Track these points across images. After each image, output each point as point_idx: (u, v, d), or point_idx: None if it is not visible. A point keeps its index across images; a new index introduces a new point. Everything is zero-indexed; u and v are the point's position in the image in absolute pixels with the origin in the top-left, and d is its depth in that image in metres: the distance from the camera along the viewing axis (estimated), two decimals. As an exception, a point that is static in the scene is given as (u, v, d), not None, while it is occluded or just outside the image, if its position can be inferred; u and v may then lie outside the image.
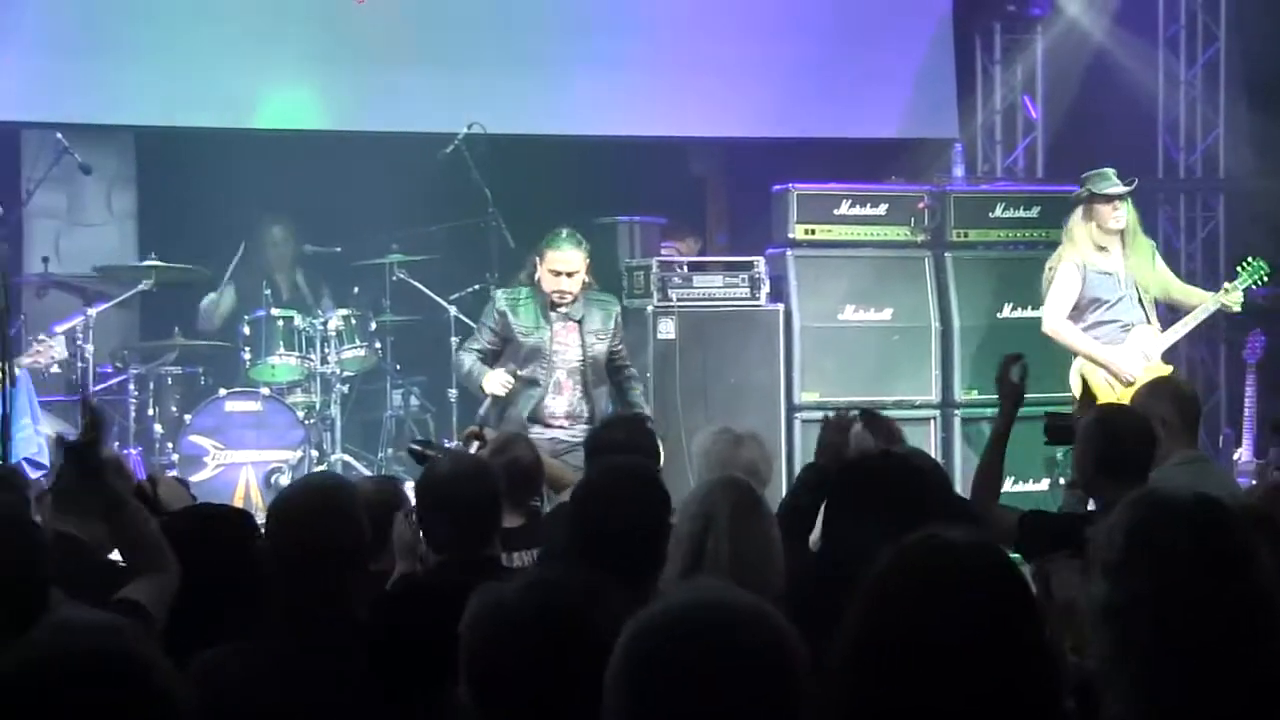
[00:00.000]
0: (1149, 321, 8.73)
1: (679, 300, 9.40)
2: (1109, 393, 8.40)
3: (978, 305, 9.82)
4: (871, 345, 9.65)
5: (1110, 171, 8.86)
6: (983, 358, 9.67)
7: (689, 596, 2.19)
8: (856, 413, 5.39)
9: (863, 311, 9.67)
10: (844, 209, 9.77)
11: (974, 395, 9.59)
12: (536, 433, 7.83)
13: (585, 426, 8.07)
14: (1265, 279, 8.90)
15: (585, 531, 4.01)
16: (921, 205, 9.87)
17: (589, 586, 2.52)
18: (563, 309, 8.22)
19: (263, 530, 3.91)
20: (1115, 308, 8.71)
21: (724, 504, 4.06)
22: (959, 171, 10.51)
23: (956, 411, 9.71)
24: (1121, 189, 8.78)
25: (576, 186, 10.51)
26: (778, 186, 9.82)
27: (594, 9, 10.69)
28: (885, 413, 8.78)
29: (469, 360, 8.28)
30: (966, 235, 9.93)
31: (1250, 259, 8.86)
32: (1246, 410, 9.37)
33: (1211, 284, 11.75)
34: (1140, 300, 8.74)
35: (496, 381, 8.10)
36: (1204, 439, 11.46)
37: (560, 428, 8.14)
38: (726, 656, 2.08)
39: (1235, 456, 9.39)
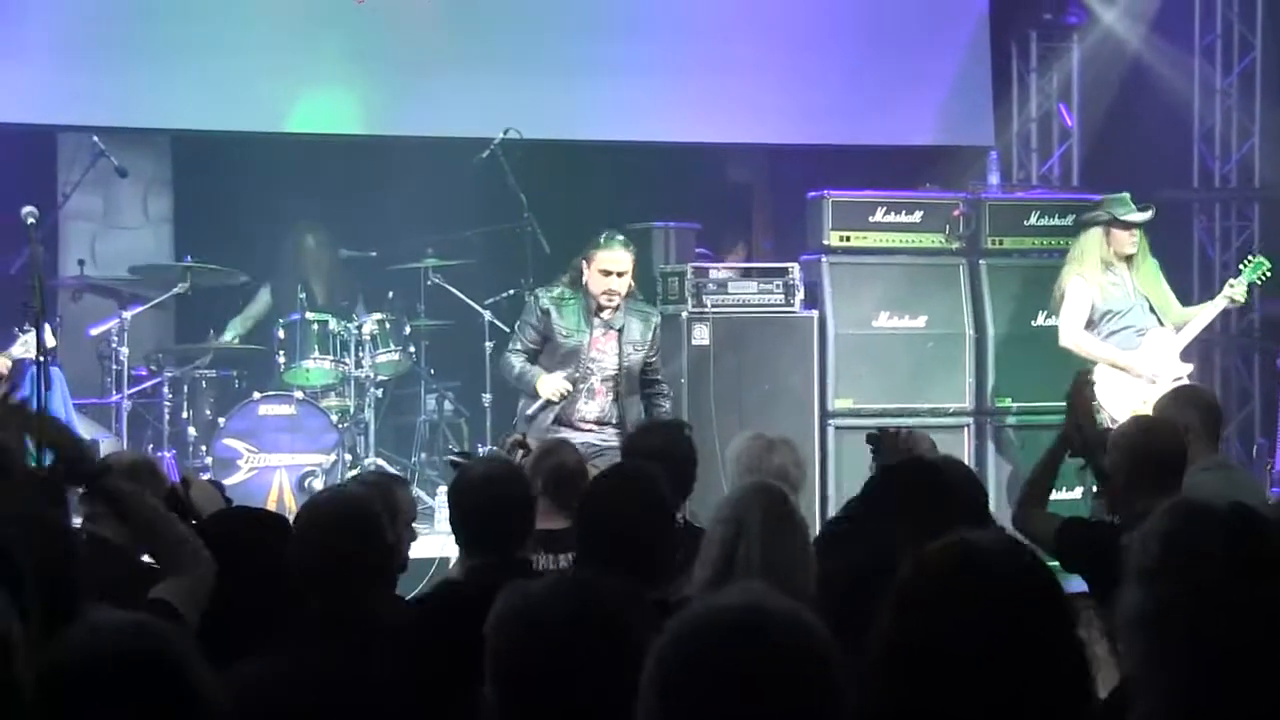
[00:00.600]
0: (1162, 325, 8.80)
1: (713, 306, 9.39)
2: (1127, 401, 8.39)
3: (1012, 313, 9.79)
4: (905, 352, 9.62)
5: (1128, 196, 8.94)
6: (1017, 365, 9.66)
7: (728, 600, 2.19)
8: (907, 430, 5.43)
9: (897, 318, 9.65)
10: (879, 216, 9.76)
11: (1008, 403, 9.56)
12: (565, 436, 7.83)
13: (615, 431, 8.10)
14: (1267, 275, 9.02)
15: (585, 534, 4.05)
16: (956, 213, 9.84)
17: (619, 588, 2.51)
18: (604, 315, 8.23)
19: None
20: (1128, 316, 8.78)
21: (756, 509, 4.06)
22: (994, 179, 10.50)
23: (990, 419, 9.68)
24: (1142, 217, 8.86)
25: (612, 192, 10.54)
26: (813, 193, 9.81)
27: (630, 14, 10.70)
28: (919, 420, 8.97)
29: (519, 362, 8.27)
30: (1001, 243, 9.90)
31: (1252, 256, 8.99)
32: (1280, 420, 9.34)
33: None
34: (1151, 308, 8.83)
35: (551, 385, 8.10)
36: (1238, 448, 11.48)
37: (590, 431, 8.14)
38: (764, 661, 2.08)
39: (1269, 466, 9.34)
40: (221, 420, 9.18)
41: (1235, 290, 8.93)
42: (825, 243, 9.59)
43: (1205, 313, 8.94)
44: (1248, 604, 2.40)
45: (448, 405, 10.00)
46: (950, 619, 2.21)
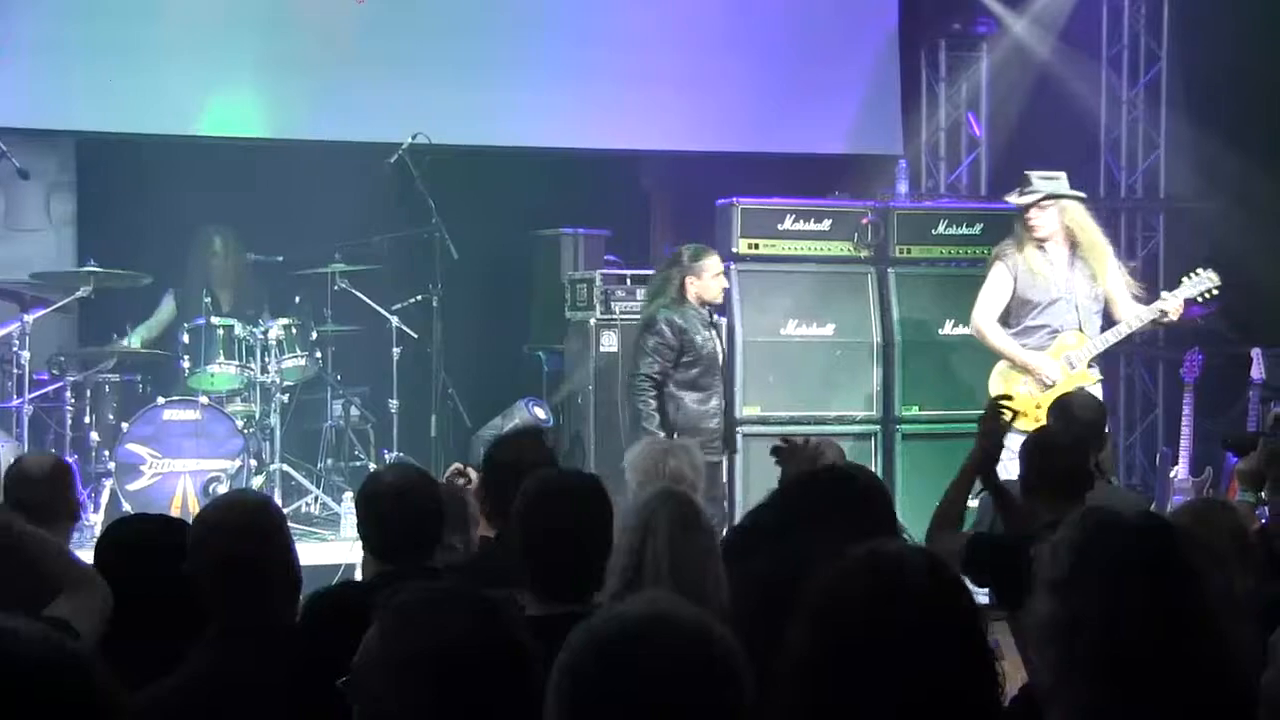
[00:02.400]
0: (1081, 328, 8.51)
1: (622, 313, 9.41)
2: (1026, 400, 8.33)
3: (920, 321, 9.85)
4: (814, 360, 9.66)
5: (1035, 175, 8.68)
6: (924, 374, 9.72)
7: (632, 609, 2.19)
8: (815, 440, 5.43)
9: (805, 326, 9.69)
10: (788, 224, 9.80)
11: (915, 411, 9.61)
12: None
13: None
14: (1214, 294, 8.62)
15: (525, 546, 3.99)
16: (865, 221, 9.90)
17: (483, 599, 2.50)
18: (708, 317, 8.38)
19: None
20: (1046, 311, 8.50)
21: (663, 516, 4.05)
22: (903, 188, 10.55)
23: (898, 428, 9.73)
24: (1027, 199, 8.58)
25: (521, 198, 10.54)
26: (722, 200, 9.84)
27: (540, 20, 10.66)
28: (827, 428, 8.99)
29: (656, 414, 8.23)
30: (909, 251, 9.96)
31: (1200, 269, 8.58)
32: (1184, 429, 9.41)
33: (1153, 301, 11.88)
34: (1078, 306, 8.54)
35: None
36: (1141, 457, 11.60)
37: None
38: (669, 670, 2.08)
39: (1172, 474, 9.43)
40: (125, 425, 9.06)
41: (1169, 304, 8.57)
42: (734, 250, 9.61)
43: (1125, 325, 8.59)
44: (1158, 613, 2.41)
45: (354, 411, 9.94)
46: (861, 629, 2.21)
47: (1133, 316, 8.54)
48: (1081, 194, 8.66)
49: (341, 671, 2.54)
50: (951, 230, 10.03)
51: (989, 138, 11.80)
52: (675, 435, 7.95)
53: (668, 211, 11.29)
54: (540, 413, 9.52)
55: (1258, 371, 9.39)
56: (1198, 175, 11.54)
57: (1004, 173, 11.55)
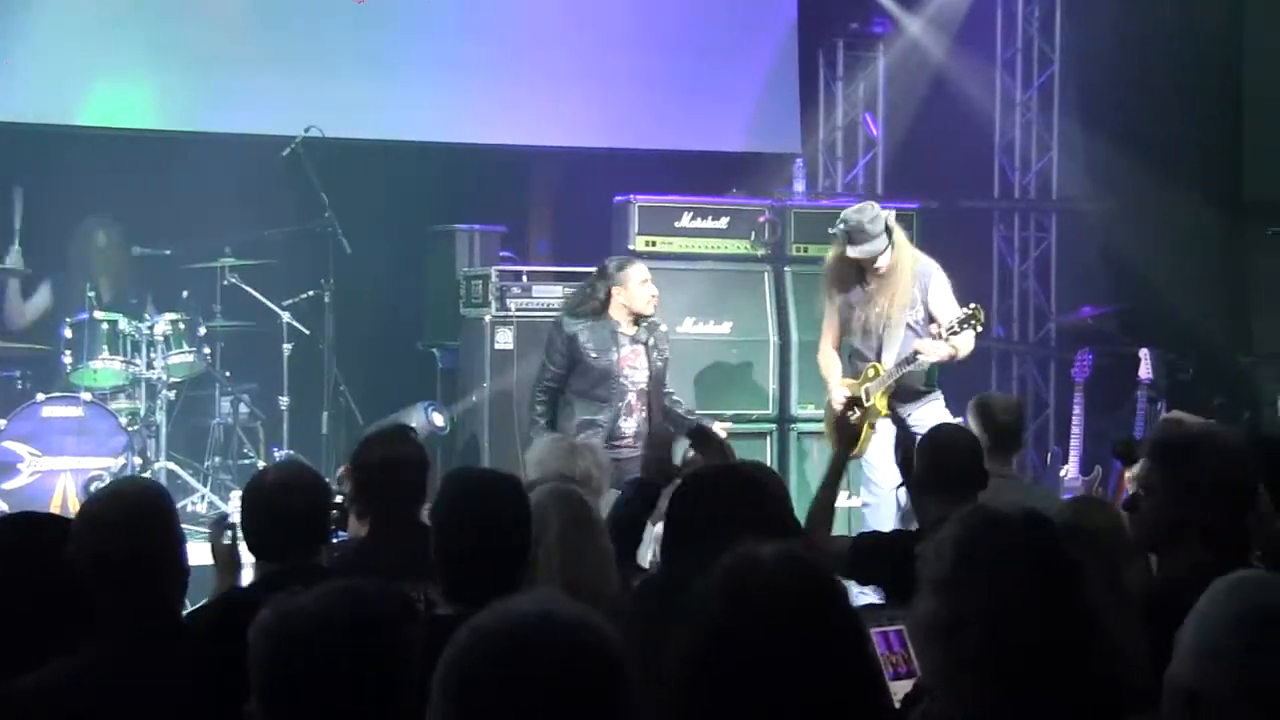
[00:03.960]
0: (879, 359, 8.07)
1: (517, 310, 9.37)
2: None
3: (816, 320, 9.82)
4: (710, 359, 9.67)
5: (860, 219, 8.02)
6: (820, 373, 9.73)
7: (516, 607, 2.19)
8: (672, 428, 5.47)
9: (702, 324, 9.69)
10: (685, 221, 9.80)
11: (811, 410, 9.63)
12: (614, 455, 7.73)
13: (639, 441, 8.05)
14: (979, 329, 7.90)
15: (441, 545, 3.97)
16: (762, 219, 9.92)
17: (389, 595, 2.49)
18: (629, 330, 8.18)
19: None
20: (862, 341, 8.17)
21: (554, 515, 4.04)
22: (799, 187, 10.59)
23: (793, 426, 9.76)
24: (870, 255, 8.00)
25: (416, 193, 10.45)
26: (619, 197, 9.82)
27: (436, 14, 10.59)
28: (724, 426, 9.00)
29: (540, 420, 8.14)
30: (806, 250, 9.96)
31: (974, 305, 7.90)
32: (1074, 428, 9.50)
33: (1044, 302, 12.02)
34: (883, 334, 8.07)
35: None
36: (1033, 457, 11.70)
37: (628, 447, 8.05)
38: (551, 668, 2.09)
39: (1062, 474, 9.52)
40: (2, 422, 8.85)
41: (923, 343, 7.88)
42: (631, 247, 9.58)
43: (897, 368, 7.99)
44: (1042, 609, 2.42)
45: (243, 408, 9.82)
46: (734, 634, 2.21)
47: (903, 361, 8.00)
48: (877, 250, 8.00)
49: (228, 673, 2.51)
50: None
51: (885, 138, 11.85)
52: None
53: (564, 208, 11.26)
54: (438, 419, 9.45)
55: (1146, 371, 9.50)
56: (1089, 177, 11.67)
57: (899, 172, 11.66)
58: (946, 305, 8.08)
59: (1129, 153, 11.03)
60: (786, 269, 9.93)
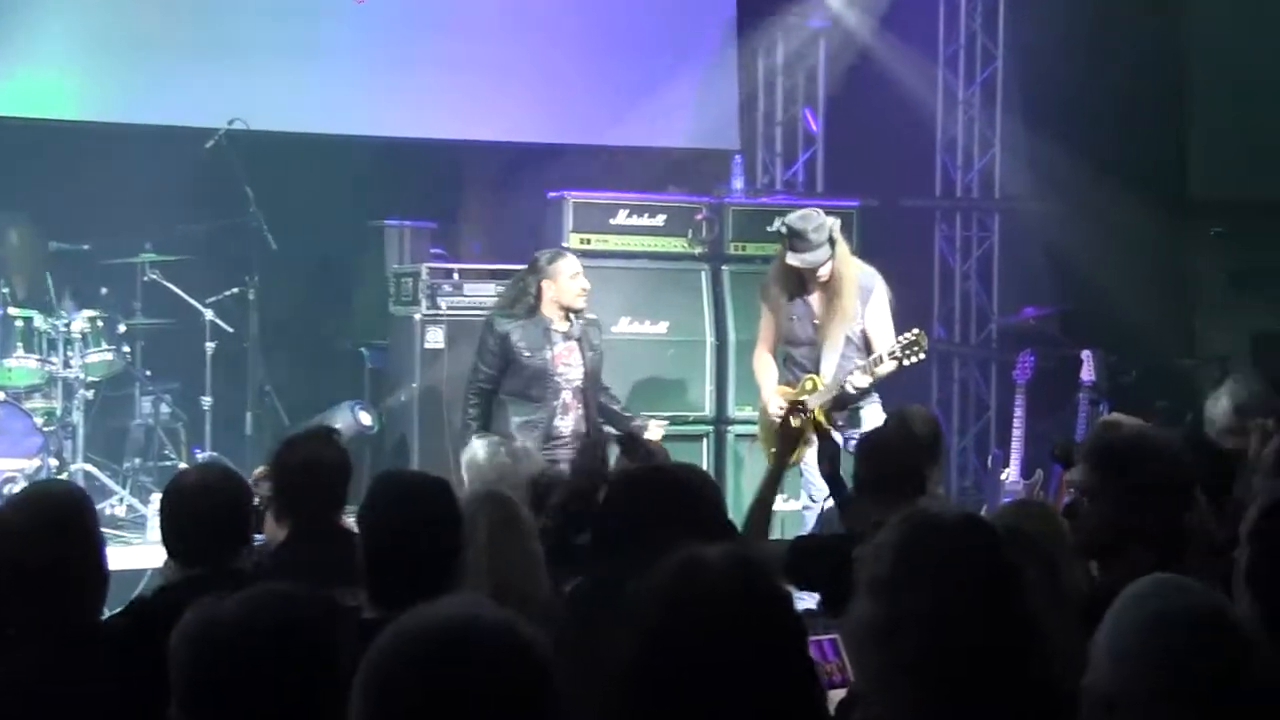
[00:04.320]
0: (817, 371, 8.03)
1: (449, 308, 9.35)
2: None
3: (754, 320, 9.82)
4: (646, 359, 9.68)
5: (804, 226, 7.94)
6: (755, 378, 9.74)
7: (440, 611, 2.20)
8: (612, 432, 5.51)
9: (638, 324, 9.71)
10: (621, 219, 9.80)
11: (748, 412, 9.64)
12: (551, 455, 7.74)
13: (581, 442, 7.98)
14: (922, 357, 7.80)
15: (368, 548, 3.96)
16: (699, 217, 9.93)
17: (316, 600, 2.47)
18: (562, 327, 8.15)
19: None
20: (800, 349, 8.15)
21: (482, 518, 4.05)
22: (738, 184, 10.59)
23: (730, 428, 9.78)
24: (813, 265, 7.91)
25: (344, 188, 10.42)
26: (553, 194, 9.82)
27: (367, 4, 10.53)
28: (660, 424, 8.99)
29: (473, 423, 8.07)
30: (744, 248, 10.00)
31: (917, 331, 7.81)
32: (1015, 430, 9.54)
33: (986, 303, 12.08)
34: (822, 346, 8.02)
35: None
36: (974, 460, 11.76)
37: (566, 447, 8.01)
38: (473, 673, 2.08)
39: (1003, 476, 9.56)
40: (-87, 422, 8.80)
41: (855, 378, 7.78)
42: (565, 244, 9.52)
43: (831, 386, 7.92)
44: (980, 612, 2.43)
45: (165, 409, 9.75)
46: (678, 637, 2.21)
47: (836, 381, 7.90)
48: (818, 260, 7.93)
49: (149, 679, 2.50)
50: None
51: (825, 134, 11.88)
52: None
53: (497, 204, 11.23)
54: (366, 418, 9.42)
55: (1088, 373, 9.55)
56: (1033, 176, 11.73)
57: (840, 170, 11.69)
58: (883, 323, 8.04)
59: (1073, 151, 11.09)
60: (724, 268, 9.95)
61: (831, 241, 7.98)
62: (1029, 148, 11.73)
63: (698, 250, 9.93)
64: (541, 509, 5.38)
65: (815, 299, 8.05)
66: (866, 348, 7.96)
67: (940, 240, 12.23)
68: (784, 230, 8.03)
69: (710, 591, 2.23)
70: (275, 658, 2.49)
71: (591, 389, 8.21)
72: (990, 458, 10.26)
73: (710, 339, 9.82)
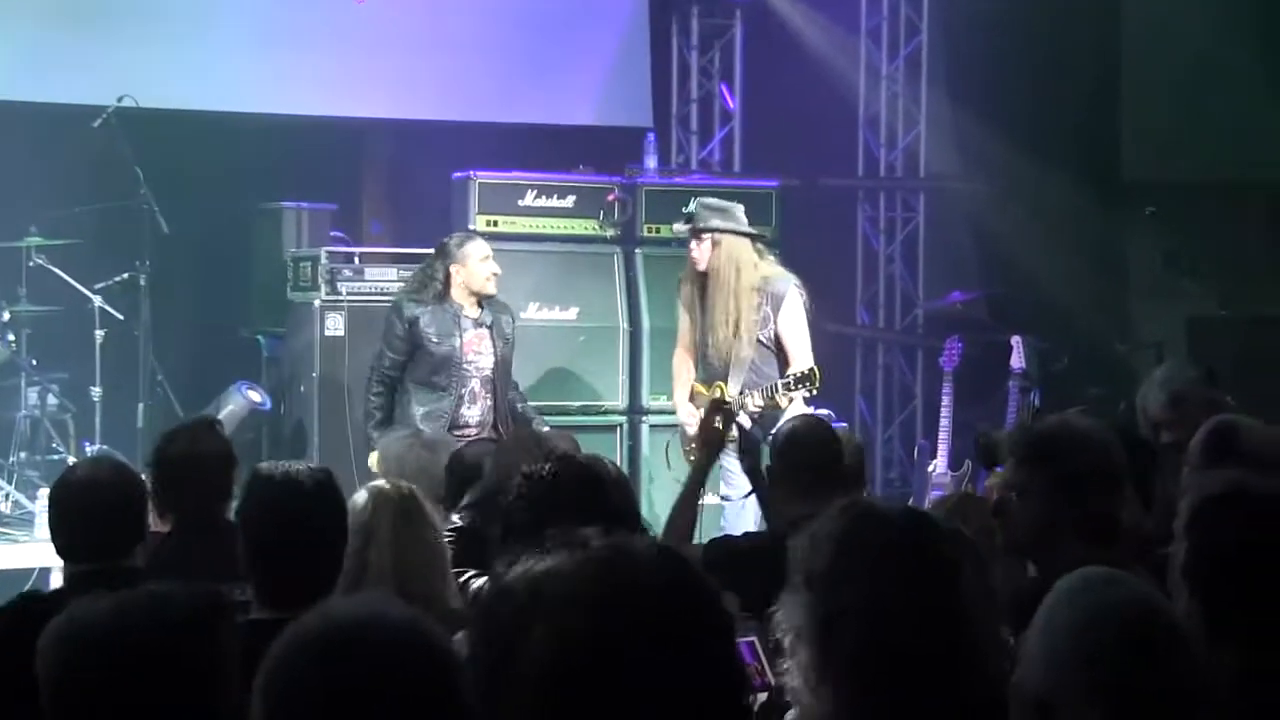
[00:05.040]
0: (725, 377, 7.98)
1: (349, 294, 9.33)
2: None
3: (670, 305, 9.83)
4: (556, 346, 9.67)
5: (701, 203, 8.20)
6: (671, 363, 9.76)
7: (341, 609, 2.20)
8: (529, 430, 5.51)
9: (548, 310, 9.70)
10: (529, 199, 9.79)
11: (663, 401, 9.64)
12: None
13: (492, 433, 8.01)
14: (814, 390, 7.71)
15: (251, 546, 3.95)
16: (611, 198, 9.93)
17: (198, 598, 2.46)
18: (473, 314, 8.15)
19: None
20: (707, 348, 8.09)
21: (384, 513, 4.05)
22: (651, 163, 10.57)
23: (644, 419, 9.80)
24: (680, 232, 8.18)
25: (239, 168, 10.35)
26: (458, 174, 9.79)
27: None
28: (569, 420, 9.01)
29: (377, 412, 8.13)
30: (658, 231, 9.98)
31: (812, 367, 7.67)
32: (942, 420, 9.60)
33: (911, 287, 12.14)
34: (726, 351, 7.97)
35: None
36: (900, 450, 11.83)
37: (470, 436, 7.93)
38: (372, 672, 2.10)
39: (930, 468, 9.62)
40: None
41: (754, 400, 7.69)
42: (471, 227, 9.51)
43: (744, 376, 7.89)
44: (919, 606, 2.44)
45: (52, 399, 9.66)
46: (601, 636, 2.18)
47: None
48: (748, 231, 8.10)
49: (23, 684, 2.47)
50: (704, 209, 10.05)
51: (743, 111, 11.92)
52: None
53: (400, 185, 11.20)
54: (255, 395, 9.39)
55: (1018, 360, 9.62)
56: (959, 154, 11.81)
57: (758, 148, 11.72)
58: (796, 331, 8.00)
59: (1002, 129, 11.17)
60: (637, 251, 9.96)
61: (714, 232, 8.01)
62: (955, 125, 11.80)
63: (610, 233, 9.93)
64: (459, 500, 5.41)
65: (710, 299, 8.06)
66: (781, 355, 7.96)
67: (863, 221, 12.29)
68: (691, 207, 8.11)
69: (631, 585, 2.22)
70: (145, 661, 2.48)
71: (502, 379, 8.22)
72: (916, 449, 10.32)
73: (623, 325, 9.83)
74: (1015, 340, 9.67)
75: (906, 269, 12.21)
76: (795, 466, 5.41)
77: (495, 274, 8.23)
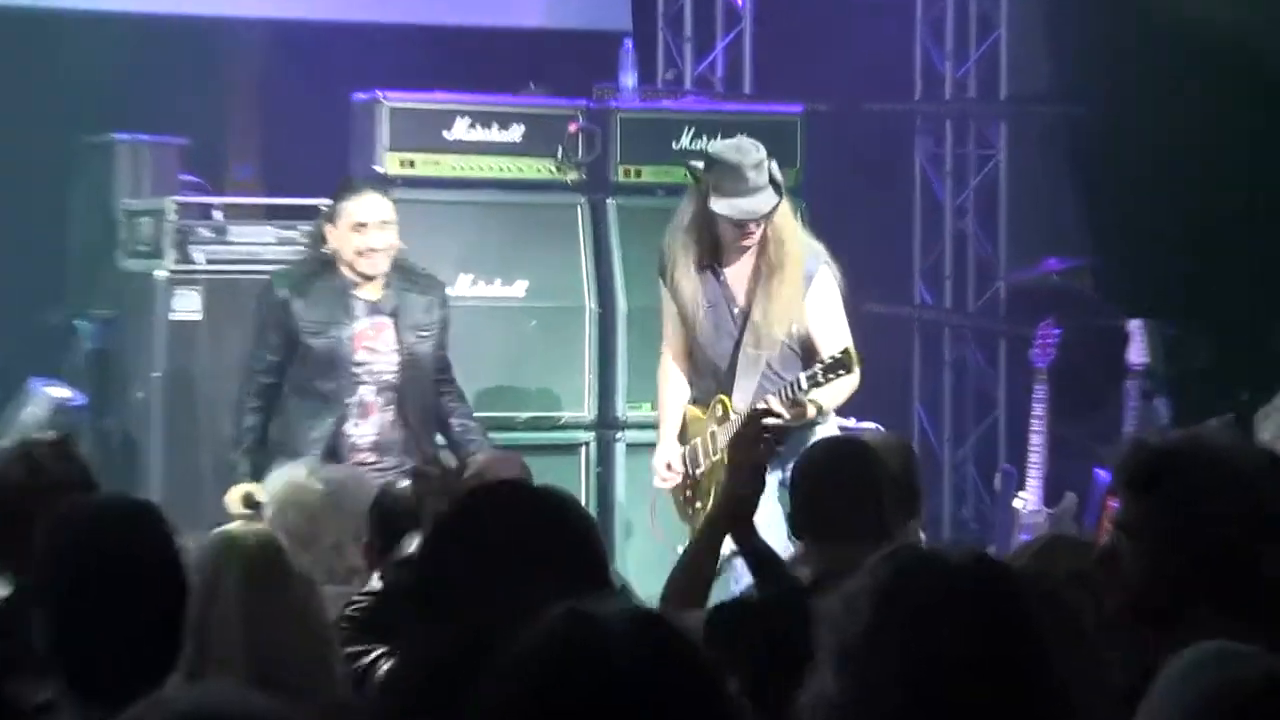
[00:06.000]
0: (729, 389, 7.98)
1: (209, 263, 9.36)
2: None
3: (652, 279, 9.81)
4: (497, 335, 9.69)
5: (741, 160, 7.93)
6: (659, 357, 9.71)
7: (168, 706, 2.25)
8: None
9: (485, 285, 9.72)
10: (459, 131, 9.81)
11: (646, 411, 9.60)
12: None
13: (399, 460, 8.10)
14: (854, 370, 7.61)
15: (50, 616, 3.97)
16: (574, 128, 9.92)
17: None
18: (364, 294, 8.17)
19: None
20: (714, 353, 8.09)
21: (232, 570, 4.10)
22: (629, 80, 10.54)
23: (619, 435, 9.81)
24: (753, 215, 7.93)
25: (54, 86, 10.42)
26: (360, 95, 9.80)
27: None
28: (513, 436, 8.96)
29: (248, 435, 8.21)
30: (639, 174, 10.03)
31: (845, 349, 7.62)
32: (1034, 437, 9.58)
33: (990, 252, 12.09)
34: (760, 341, 7.98)
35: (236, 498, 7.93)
36: (975, 477, 11.77)
37: (364, 463, 8.05)
38: None
39: (1019, 504, 9.59)
40: None
41: (772, 403, 7.49)
42: (379, 169, 9.57)
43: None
44: (993, 691, 2.52)
45: None
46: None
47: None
48: (760, 208, 7.92)
49: None
50: (701, 144, 9.99)
51: (757, 11, 11.93)
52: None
53: (278, 111, 11.17)
54: (58, 391, 9.39)
55: (1138, 353, 9.60)
56: (1054, 66, 11.76)
57: (776, 61, 11.70)
58: (830, 321, 7.99)
59: (1118, 29, 11.08)
60: (610, 201, 9.99)
61: (776, 186, 7.94)
62: (1049, 25, 11.76)
63: (571, 177, 9.94)
64: (389, 551, 5.43)
65: (735, 276, 8.05)
66: (808, 359, 7.87)
67: (922, 161, 12.36)
68: (704, 163, 8.03)
69: (603, 665, 2.27)
70: None
71: (414, 386, 8.23)
72: (998, 476, 10.30)
73: (590, 305, 9.83)
74: (1134, 325, 9.66)
75: (982, 227, 12.23)
76: (817, 504, 5.42)
77: (371, 250, 8.17)
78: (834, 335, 7.88)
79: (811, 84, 10.92)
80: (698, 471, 8.03)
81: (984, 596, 2.57)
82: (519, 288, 9.77)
